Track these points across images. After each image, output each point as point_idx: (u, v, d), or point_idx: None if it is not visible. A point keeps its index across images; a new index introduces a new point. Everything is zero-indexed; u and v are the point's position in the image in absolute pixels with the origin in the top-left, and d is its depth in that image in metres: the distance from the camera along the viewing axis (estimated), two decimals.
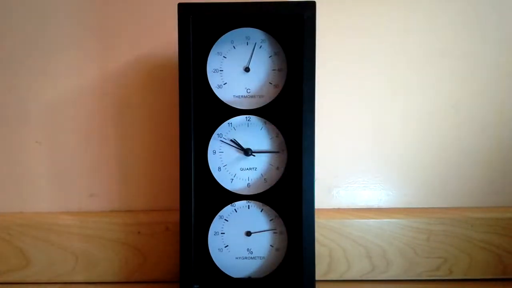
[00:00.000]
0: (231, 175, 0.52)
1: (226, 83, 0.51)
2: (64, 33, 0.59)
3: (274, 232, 0.52)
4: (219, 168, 0.52)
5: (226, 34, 0.51)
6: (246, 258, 0.52)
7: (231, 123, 0.51)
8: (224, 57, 0.51)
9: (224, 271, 0.52)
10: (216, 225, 0.52)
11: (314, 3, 0.47)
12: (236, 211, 0.52)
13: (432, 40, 0.59)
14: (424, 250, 0.58)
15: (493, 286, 0.58)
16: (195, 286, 0.51)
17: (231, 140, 0.51)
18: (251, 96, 0.51)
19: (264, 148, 0.51)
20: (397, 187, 0.60)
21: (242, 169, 0.52)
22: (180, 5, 0.47)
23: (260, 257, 0.52)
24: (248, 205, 0.52)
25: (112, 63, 0.59)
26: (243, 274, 0.52)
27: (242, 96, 0.51)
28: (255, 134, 0.51)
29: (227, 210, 0.52)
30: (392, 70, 0.59)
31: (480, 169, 0.60)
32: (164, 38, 0.58)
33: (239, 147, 0.51)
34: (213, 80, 0.51)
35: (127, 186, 0.60)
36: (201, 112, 0.50)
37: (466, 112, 0.59)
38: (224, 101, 0.51)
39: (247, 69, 0.51)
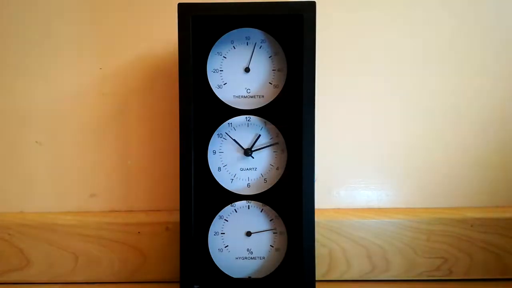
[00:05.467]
0: (231, 175, 0.52)
1: (226, 83, 0.51)
2: (64, 33, 0.59)
3: (274, 232, 0.52)
4: (219, 168, 0.52)
5: (226, 34, 0.51)
6: (246, 258, 0.52)
7: (231, 123, 0.51)
8: (224, 57, 0.51)
9: (224, 271, 0.52)
10: (216, 225, 0.52)
11: (314, 3, 0.47)
12: (236, 211, 0.52)
13: (433, 40, 0.59)
14: (424, 250, 0.58)
15: (493, 286, 0.58)
16: (195, 286, 0.51)
17: (259, 135, 0.51)
18: (251, 96, 0.51)
19: (264, 149, 0.52)
20: (397, 187, 0.60)
21: (242, 169, 0.52)
22: (180, 5, 0.47)
23: (260, 257, 0.52)
24: (248, 205, 0.52)
25: (112, 63, 0.59)
26: (243, 274, 0.52)
27: (242, 96, 0.51)
28: (255, 134, 0.51)
29: (227, 210, 0.52)
30: (392, 70, 0.59)
31: (480, 169, 0.60)
32: (164, 38, 0.58)
33: (251, 143, 0.51)
34: (213, 80, 0.51)
35: (127, 186, 0.60)
36: (201, 112, 0.50)
37: (466, 112, 0.59)
38: (224, 101, 0.51)
39: (247, 69, 0.51)
